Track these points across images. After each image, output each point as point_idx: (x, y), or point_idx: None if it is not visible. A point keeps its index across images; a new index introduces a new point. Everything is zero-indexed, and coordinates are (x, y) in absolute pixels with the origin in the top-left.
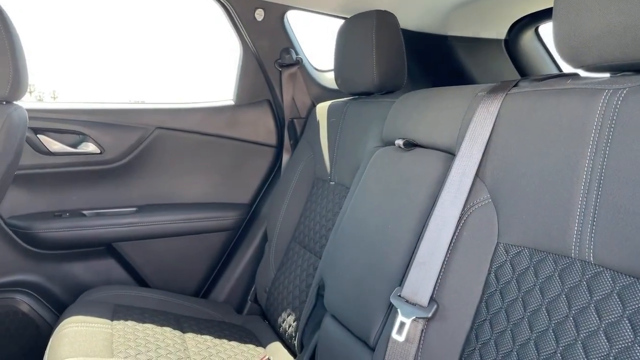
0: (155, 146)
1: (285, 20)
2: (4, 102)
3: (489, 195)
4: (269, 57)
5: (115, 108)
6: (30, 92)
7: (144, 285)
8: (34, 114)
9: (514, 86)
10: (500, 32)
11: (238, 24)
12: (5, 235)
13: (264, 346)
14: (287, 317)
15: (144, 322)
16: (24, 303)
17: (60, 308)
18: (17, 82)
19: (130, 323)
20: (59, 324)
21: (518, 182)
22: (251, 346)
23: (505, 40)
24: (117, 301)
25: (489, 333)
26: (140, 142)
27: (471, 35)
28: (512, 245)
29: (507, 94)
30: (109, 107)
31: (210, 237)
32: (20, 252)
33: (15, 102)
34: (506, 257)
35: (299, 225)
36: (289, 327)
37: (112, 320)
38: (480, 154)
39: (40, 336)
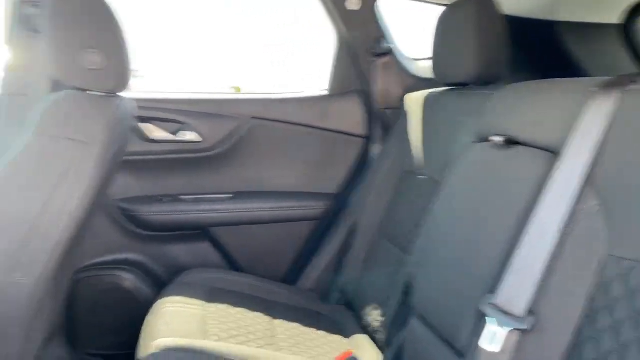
0: (250, 135)
1: (377, 8)
2: (111, 95)
3: (598, 202)
4: (362, 47)
5: (214, 98)
6: (138, 77)
7: (236, 269)
8: (140, 103)
9: (633, 82)
10: (617, 16)
11: (333, 12)
12: (114, 216)
13: (349, 337)
14: (373, 311)
15: (235, 305)
16: (128, 280)
17: (159, 286)
18: (122, 75)
19: (223, 306)
20: (156, 302)
21: (635, 189)
22: (336, 337)
23: (624, 26)
24: (212, 284)
25: (593, 353)
26: (237, 132)
27: (583, 20)
28: (624, 259)
29: (625, 90)
30: (208, 98)
31: (298, 226)
32: (126, 232)
33: (122, 94)
34: (617, 271)
35: (387, 218)
36: (375, 321)
37: (206, 302)
38: (591, 156)
39: (141, 311)
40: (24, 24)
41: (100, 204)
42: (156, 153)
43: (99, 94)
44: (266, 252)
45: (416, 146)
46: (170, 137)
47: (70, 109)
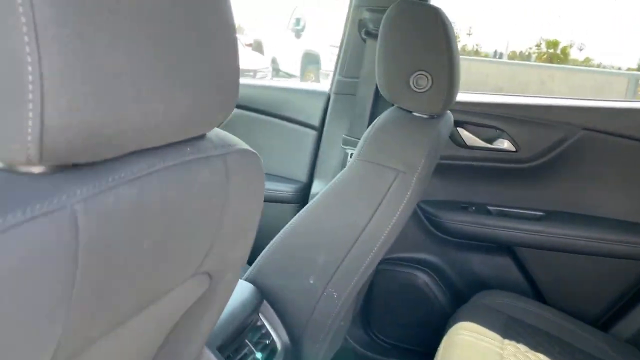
0: (579, 149)
1: None
2: (435, 116)
3: None
4: None
5: (536, 104)
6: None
7: (538, 296)
8: (458, 106)
9: None
10: None
11: None
12: (416, 216)
13: None
14: None
15: (536, 348)
16: (422, 279)
17: (452, 291)
18: (447, 97)
19: (522, 347)
20: (453, 326)
21: None
22: None
23: None
24: (510, 312)
25: None
26: (561, 143)
27: None
28: None
29: None
30: (529, 102)
31: (625, 263)
32: (425, 233)
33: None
34: None
35: None
36: None
37: (503, 337)
38: None
39: (432, 312)
40: (357, 27)
41: None
42: (466, 159)
43: (423, 116)
44: (577, 286)
45: None
46: (483, 144)
47: (393, 136)
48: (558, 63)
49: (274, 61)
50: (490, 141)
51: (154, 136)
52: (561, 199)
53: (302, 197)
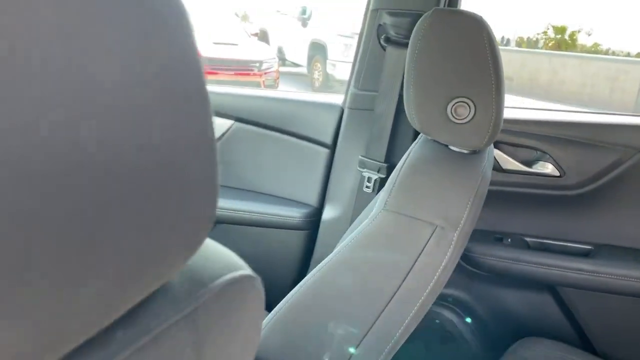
0: (635, 174)
1: None
2: (477, 151)
3: None
4: None
5: (584, 121)
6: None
7: (585, 344)
8: None
9: None
10: None
11: None
12: None
13: None
14: None
15: None
16: (447, 317)
17: (482, 332)
18: (492, 129)
19: None
20: None
21: None
22: None
23: None
24: None
25: None
26: (614, 168)
27: None
28: None
29: None
30: (576, 120)
31: None
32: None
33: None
34: None
35: None
36: None
37: None
38: None
39: (460, 357)
40: (376, 33)
41: None
42: (502, 184)
43: (463, 151)
44: (630, 333)
45: None
46: (523, 167)
47: (427, 181)
48: (566, 49)
49: (280, 50)
50: (529, 164)
51: (56, 345)
52: (613, 232)
53: (312, 223)
